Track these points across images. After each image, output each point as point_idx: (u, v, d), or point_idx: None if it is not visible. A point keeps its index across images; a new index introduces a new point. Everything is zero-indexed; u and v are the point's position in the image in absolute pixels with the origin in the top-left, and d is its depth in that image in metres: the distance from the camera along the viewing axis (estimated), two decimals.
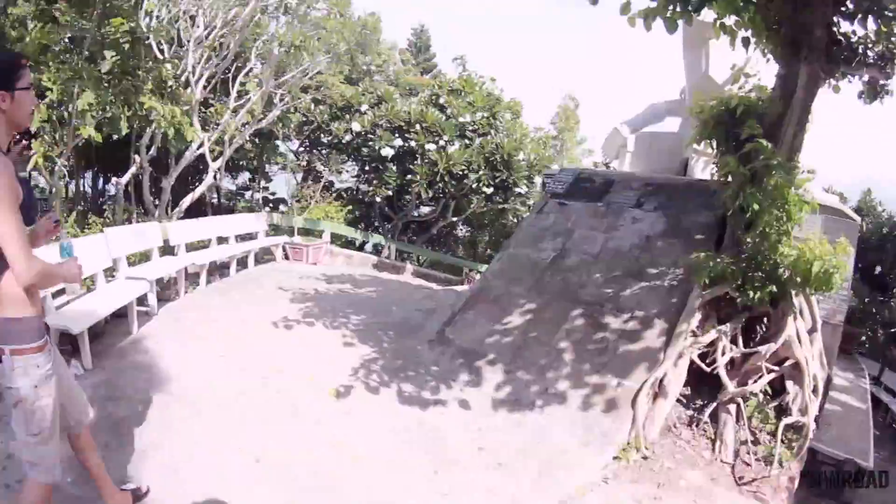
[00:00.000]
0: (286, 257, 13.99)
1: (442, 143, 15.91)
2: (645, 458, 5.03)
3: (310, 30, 13.24)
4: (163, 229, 9.43)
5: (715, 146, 7.15)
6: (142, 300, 7.76)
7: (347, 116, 17.17)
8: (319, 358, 6.72)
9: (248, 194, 21.60)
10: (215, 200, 21.13)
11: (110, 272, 7.93)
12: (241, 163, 19.16)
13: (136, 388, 5.56)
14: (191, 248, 10.62)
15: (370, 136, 16.36)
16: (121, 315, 7.19)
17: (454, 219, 19.37)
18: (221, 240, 11.68)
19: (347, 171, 20.43)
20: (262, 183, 21.21)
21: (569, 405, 5.52)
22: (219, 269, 11.24)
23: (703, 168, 9.41)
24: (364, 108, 16.86)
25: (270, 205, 20.23)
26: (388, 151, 15.85)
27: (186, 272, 9.64)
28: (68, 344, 5.94)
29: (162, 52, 11.52)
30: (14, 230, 2.67)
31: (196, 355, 6.55)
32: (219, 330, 7.51)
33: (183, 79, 11.81)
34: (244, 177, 22.29)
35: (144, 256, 9.21)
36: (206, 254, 10.33)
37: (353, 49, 13.12)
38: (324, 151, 19.33)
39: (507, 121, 17.58)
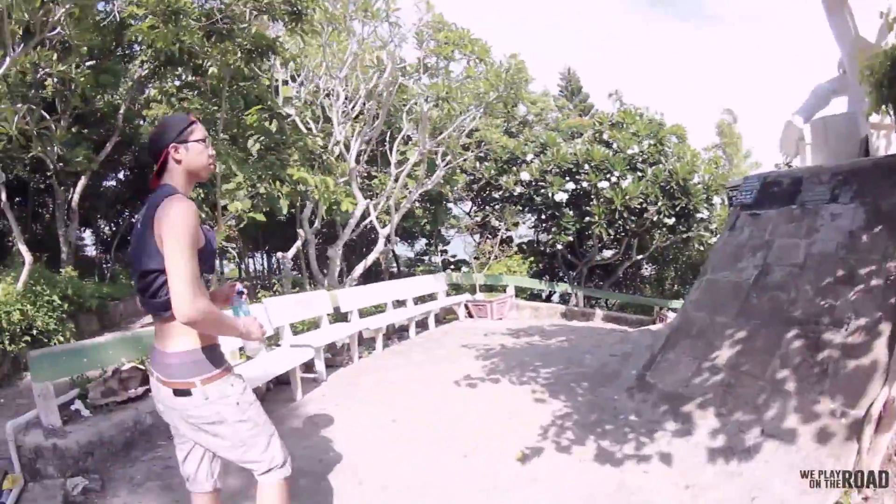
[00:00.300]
0: (469, 315, 13.62)
1: (614, 179, 15.08)
2: (866, 498, 4.06)
3: (453, 82, 12.95)
4: (331, 297, 9.32)
5: (894, 112, 6.03)
6: (310, 367, 7.68)
7: (514, 168, 16.78)
8: (504, 417, 6.04)
9: (427, 259, 21.58)
10: (395, 269, 21.28)
11: (274, 341, 7.89)
12: (414, 230, 19.16)
13: (292, 456, 5.20)
14: (366, 314, 10.46)
15: (541, 183, 15.84)
16: (285, 382, 7.11)
17: (639, 257, 18.39)
18: (399, 303, 11.47)
19: (524, 224, 20.01)
20: (440, 247, 21.13)
21: (789, 447, 4.50)
22: (397, 333, 11.02)
23: (887, 144, 8.18)
24: (530, 157, 16.41)
25: (451, 267, 20.06)
26: (561, 196, 15.25)
27: (362, 337, 9.50)
28: None
29: (309, 128, 11.58)
30: (185, 267, 2.62)
31: (363, 420, 6.16)
32: (392, 393, 7.12)
33: (336, 151, 11.82)
34: (421, 243, 22.37)
35: (314, 324, 9.12)
36: (381, 318, 10.13)
37: (503, 96, 12.63)
38: (497, 206, 19.00)
39: (675, 145, 16.59)
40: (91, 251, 20.18)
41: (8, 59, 7.32)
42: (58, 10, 7.42)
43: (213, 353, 2.90)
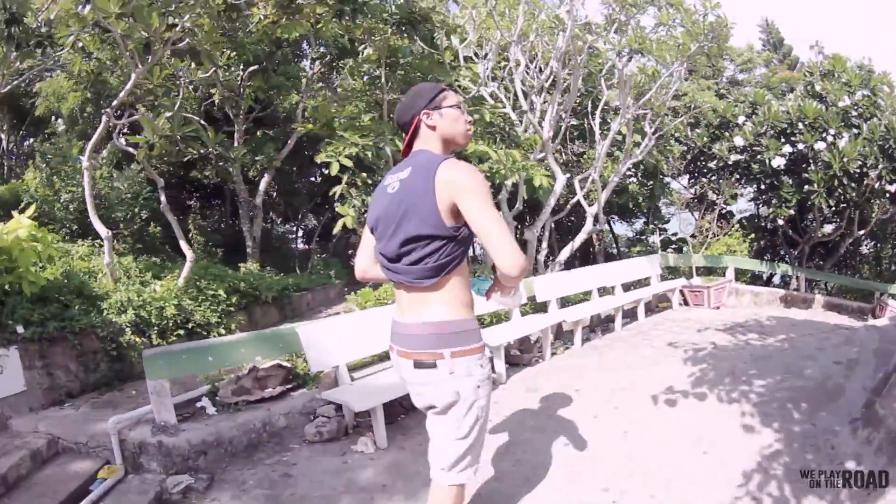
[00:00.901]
0: (685, 303, 12.39)
1: (830, 138, 13.05)
2: None
3: (647, 34, 11.68)
4: (525, 284, 8.49)
5: None
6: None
7: (727, 133, 15.14)
8: (702, 453, 4.86)
9: (645, 239, 20.27)
10: (614, 250, 20.27)
11: None
12: (631, 206, 18.00)
13: (425, 480, 4.55)
14: (573, 301, 9.85)
15: (756, 148, 14.13)
16: None
17: (860, 233, 15.99)
18: (605, 291, 10.52)
19: (742, 196, 18.20)
20: (660, 224, 19.79)
21: None
22: (602, 324, 10.05)
23: None
24: (741, 119, 14.70)
25: (673, 247, 18.63)
26: (778, 161, 13.49)
27: (561, 330, 8.75)
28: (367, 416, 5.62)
29: (500, 101, 10.90)
30: (502, 223, 2.55)
31: (530, 439, 5.29)
32: (575, 406, 6.14)
33: (526, 123, 11.07)
34: (642, 222, 21.12)
35: (504, 317, 8.39)
36: (580, 308, 9.22)
37: (704, 47, 11.17)
38: (712, 178, 17.36)
39: (887, 95, 13.93)
40: (298, 244, 21.71)
41: (133, 76, 7.59)
42: (180, 22, 7.56)
43: (471, 326, 2.78)
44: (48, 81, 14.06)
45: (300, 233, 22.66)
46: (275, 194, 19.00)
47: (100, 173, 12.24)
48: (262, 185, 14.18)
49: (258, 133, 14.56)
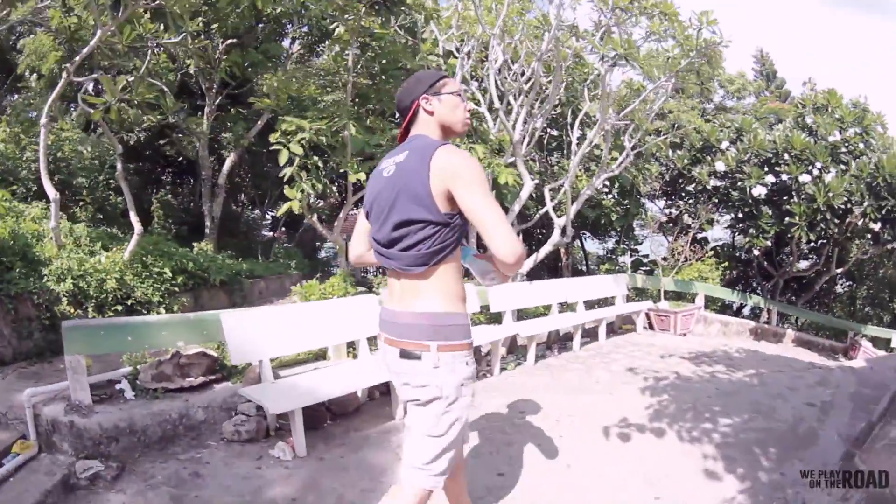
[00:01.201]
0: (650, 326, 11.67)
1: (816, 171, 12.52)
2: None
3: (637, 40, 11.06)
4: (479, 293, 7.87)
5: None
6: None
7: (709, 158, 14.59)
8: (653, 497, 4.13)
9: (620, 259, 19.65)
10: (583, 266, 19.76)
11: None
12: (603, 222, 17.37)
13: (338, 497, 4.03)
14: (533, 315, 9.33)
15: (738, 175, 13.60)
16: (388, 393, 5.98)
17: (838, 271, 15.58)
18: (567, 307, 9.84)
19: (718, 223, 17.63)
20: (632, 245, 19.18)
21: None
22: (559, 342, 9.33)
23: None
24: (724, 144, 14.19)
25: (644, 268, 18.01)
26: (759, 190, 12.95)
27: (515, 344, 8.18)
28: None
29: (477, 101, 10.42)
30: (498, 209, 2.41)
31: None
32: (520, 429, 5.43)
33: (504, 131, 10.40)
34: (613, 241, 20.51)
35: None
36: (535, 324, 8.54)
37: (696, 63, 10.46)
38: (689, 201, 16.75)
39: (880, 135, 13.61)
40: (263, 231, 20.87)
41: (99, 33, 7.12)
42: None
43: (461, 321, 2.64)
44: (31, 39, 13.42)
45: (268, 219, 21.93)
46: (246, 177, 18.31)
47: (66, 136, 11.60)
48: (227, 164, 13.68)
49: (232, 111, 14.00)
